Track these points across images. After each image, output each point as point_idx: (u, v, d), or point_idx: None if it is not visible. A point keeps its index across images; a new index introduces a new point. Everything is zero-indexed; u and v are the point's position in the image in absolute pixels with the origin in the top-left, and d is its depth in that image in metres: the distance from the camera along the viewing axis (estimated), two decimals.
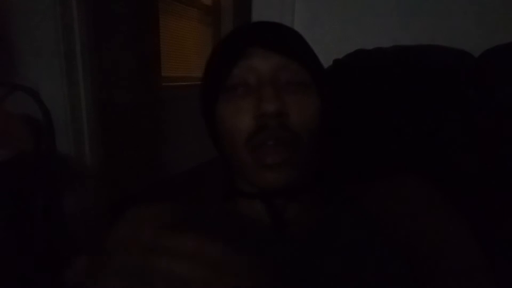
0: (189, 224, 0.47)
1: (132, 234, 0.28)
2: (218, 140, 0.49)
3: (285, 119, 0.41)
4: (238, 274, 0.27)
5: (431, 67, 0.62)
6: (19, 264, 1.09)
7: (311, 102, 0.44)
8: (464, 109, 0.58)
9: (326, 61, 0.65)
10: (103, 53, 1.81)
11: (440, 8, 0.81)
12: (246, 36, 0.46)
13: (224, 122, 0.45)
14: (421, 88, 0.61)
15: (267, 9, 0.93)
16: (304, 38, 0.49)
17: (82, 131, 1.42)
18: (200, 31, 3.01)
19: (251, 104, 0.42)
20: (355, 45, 0.70)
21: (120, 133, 2.10)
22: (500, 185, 0.55)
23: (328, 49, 0.65)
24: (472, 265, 0.39)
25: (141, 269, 0.25)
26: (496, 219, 0.53)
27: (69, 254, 1.30)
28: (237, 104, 0.44)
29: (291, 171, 0.43)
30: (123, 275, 0.26)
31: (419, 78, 0.61)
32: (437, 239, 0.41)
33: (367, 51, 0.68)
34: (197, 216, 0.48)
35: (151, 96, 2.45)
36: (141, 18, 2.31)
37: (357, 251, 0.41)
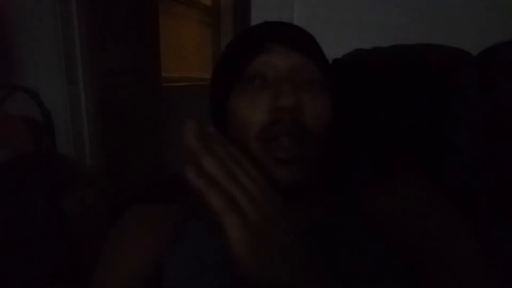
0: (189, 223, 0.47)
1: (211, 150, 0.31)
2: (226, 133, 0.49)
3: (299, 115, 0.42)
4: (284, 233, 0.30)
5: (430, 66, 0.62)
6: (19, 264, 1.09)
7: (323, 102, 0.45)
8: (463, 108, 0.58)
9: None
10: (103, 54, 1.81)
11: (439, 7, 0.81)
12: (267, 32, 0.47)
13: (237, 114, 0.45)
14: (420, 87, 0.61)
15: (266, 9, 0.93)
16: (317, 41, 0.51)
17: (82, 132, 1.42)
18: (199, 31, 3.01)
19: (267, 98, 0.43)
20: (354, 44, 0.70)
21: (120, 133, 2.10)
22: (500, 184, 0.55)
23: (327, 48, 0.65)
24: (472, 265, 0.39)
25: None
26: (495, 219, 0.53)
27: (69, 255, 1.30)
28: (253, 96, 0.44)
29: (301, 169, 0.43)
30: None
31: (418, 77, 0.61)
32: (438, 239, 0.41)
33: (366, 50, 0.68)
34: (197, 215, 0.48)
35: (151, 96, 2.44)
36: (140, 18, 2.31)
37: (358, 251, 0.41)
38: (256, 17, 0.95)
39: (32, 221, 1.15)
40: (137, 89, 2.32)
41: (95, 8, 1.46)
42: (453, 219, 0.43)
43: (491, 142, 0.57)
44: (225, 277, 0.40)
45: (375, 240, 0.42)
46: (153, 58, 2.47)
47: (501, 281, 0.40)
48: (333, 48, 0.70)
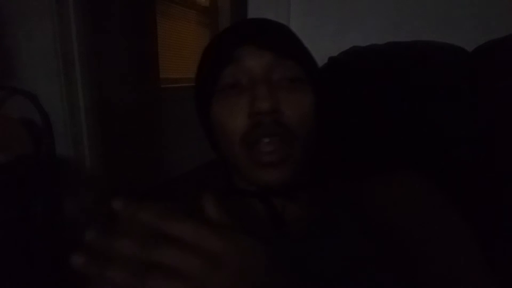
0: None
1: (134, 217, 0.27)
2: (215, 140, 0.49)
3: (279, 115, 0.41)
4: (237, 273, 0.26)
5: (426, 63, 0.62)
6: (19, 266, 1.10)
7: (305, 98, 0.44)
8: (459, 104, 0.59)
9: (321, 59, 0.65)
10: (100, 56, 1.81)
11: (434, 4, 0.81)
12: (236, 36, 0.46)
13: (219, 122, 0.45)
14: (416, 84, 0.61)
15: (263, 9, 0.94)
16: (296, 34, 0.49)
17: (80, 133, 1.42)
18: (197, 32, 3.01)
19: (244, 103, 0.42)
20: (350, 43, 0.70)
21: (118, 135, 2.10)
22: (497, 180, 0.55)
23: (324, 47, 0.66)
24: (471, 264, 0.39)
25: (141, 257, 0.25)
26: (495, 218, 0.53)
27: (69, 257, 1.30)
28: (231, 104, 0.44)
29: (287, 169, 0.43)
30: (123, 263, 0.25)
31: (414, 75, 0.62)
32: (435, 237, 0.41)
33: (362, 48, 0.68)
34: (194, 216, 0.48)
35: (149, 97, 2.45)
36: (138, 19, 2.31)
37: (354, 250, 0.41)
38: (253, 16, 0.96)
39: (32, 222, 1.15)
40: (135, 91, 2.32)
41: (92, 10, 1.46)
42: (450, 216, 0.43)
43: (487, 138, 0.57)
44: None
45: (371, 240, 0.42)
46: (151, 59, 2.48)
47: (501, 282, 0.39)
48: (329, 46, 0.70)
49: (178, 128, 2.66)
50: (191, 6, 2.89)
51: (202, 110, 0.49)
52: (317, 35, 0.84)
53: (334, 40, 0.83)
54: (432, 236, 0.41)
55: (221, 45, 0.46)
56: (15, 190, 1.12)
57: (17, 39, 1.32)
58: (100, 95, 1.54)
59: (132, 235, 0.26)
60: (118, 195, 0.31)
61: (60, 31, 1.30)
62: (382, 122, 0.63)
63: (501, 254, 0.48)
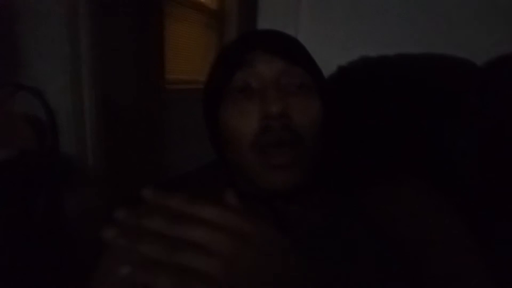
0: None
1: (163, 204, 0.29)
2: (220, 142, 0.49)
3: (288, 121, 0.42)
4: (265, 254, 0.27)
5: (434, 75, 0.62)
6: (20, 264, 1.09)
7: (313, 104, 0.45)
8: (467, 116, 0.59)
9: (330, 67, 0.66)
10: (107, 55, 1.82)
11: (444, 17, 0.81)
12: (249, 42, 0.47)
13: (228, 125, 0.45)
14: (424, 96, 0.61)
15: (272, 15, 0.94)
16: (303, 45, 0.50)
17: (85, 132, 1.43)
18: (204, 34, 3.03)
19: (255, 107, 0.43)
20: (359, 52, 0.70)
21: (122, 134, 2.10)
22: (502, 188, 0.55)
23: (333, 56, 0.66)
24: (472, 268, 0.40)
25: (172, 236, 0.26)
26: (496, 223, 0.53)
27: (70, 254, 1.30)
28: (241, 107, 0.44)
29: (296, 172, 0.43)
30: (154, 240, 0.26)
31: (422, 86, 0.62)
32: (437, 243, 0.41)
33: (370, 58, 0.68)
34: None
35: (154, 98, 2.46)
36: (145, 20, 2.33)
37: (357, 255, 0.41)
38: (262, 21, 0.96)
39: (33, 219, 1.16)
40: (140, 91, 2.33)
41: (100, 9, 1.47)
42: (451, 220, 0.43)
43: (494, 150, 0.57)
44: None
45: (374, 244, 0.42)
46: (157, 60, 2.49)
47: (501, 282, 0.40)
48: (338, 55, 0.70)
49: (182, 128, 2.67)
50: (199, 8, 2.91)
51: (209, 112, 0.50)
52: (326, 43, 0.85)
53: (344, 49, 0.83)
54: (433, 239, 0.41)
55: (234, 50, 0.48)
56: (17, 187, 1.12)
57: (24, 36, 1.33)
58: (105, 93, 1.55)
59: (162, 215, 0.27)
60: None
61: (68, 29, 1.31)
62: (388, 130, 0.63)
63: (501, 256, 0.48)
